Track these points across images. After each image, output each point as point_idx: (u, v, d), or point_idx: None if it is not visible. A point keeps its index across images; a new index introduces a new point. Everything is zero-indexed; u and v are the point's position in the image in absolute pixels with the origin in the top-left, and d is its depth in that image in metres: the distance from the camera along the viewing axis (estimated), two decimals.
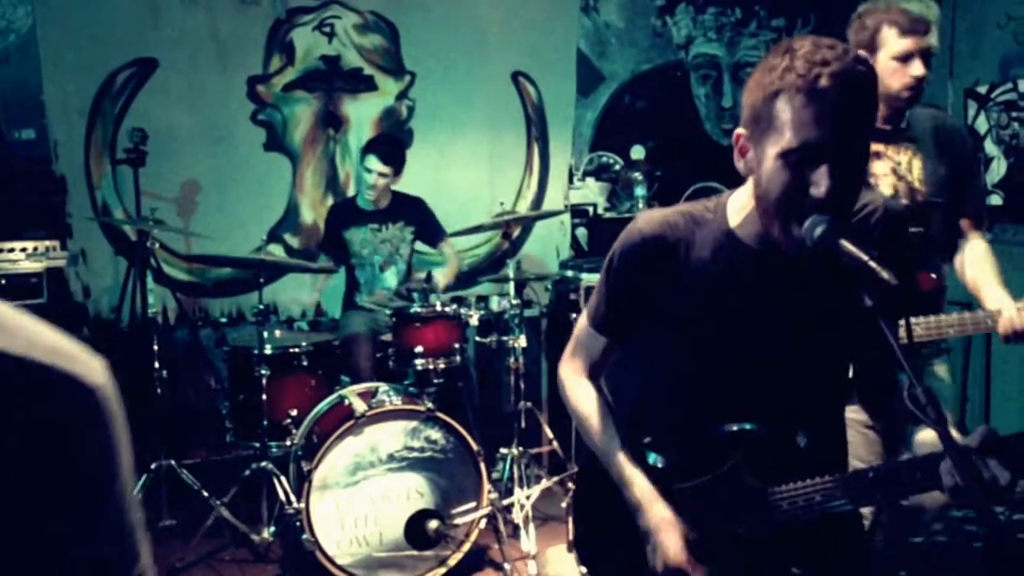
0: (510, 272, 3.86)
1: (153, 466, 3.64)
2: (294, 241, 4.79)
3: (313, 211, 4.79)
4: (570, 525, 3.29)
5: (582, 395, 1.68)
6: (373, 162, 4.07)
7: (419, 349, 3.50)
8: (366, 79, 4.82)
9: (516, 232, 4.89)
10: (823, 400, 1.56)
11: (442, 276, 4.09)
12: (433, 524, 3.19)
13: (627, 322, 1.61)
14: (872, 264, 1.21)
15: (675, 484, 1.55)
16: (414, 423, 3.24)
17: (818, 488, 1.42)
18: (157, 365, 3.74)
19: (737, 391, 1.51)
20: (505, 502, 3.52)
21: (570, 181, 5.24)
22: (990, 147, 4.73)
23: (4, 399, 0.63)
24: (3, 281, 3.83)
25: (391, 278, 4.23)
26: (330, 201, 4.69)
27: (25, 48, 4.28)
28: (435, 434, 3.26)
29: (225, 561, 3.47)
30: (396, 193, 4.26)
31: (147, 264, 3.95)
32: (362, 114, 4.84)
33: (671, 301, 1.53)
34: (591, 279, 4.35)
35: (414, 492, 3.22)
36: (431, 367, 3.50)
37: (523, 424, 3.77)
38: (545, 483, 3.80)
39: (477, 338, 4.15)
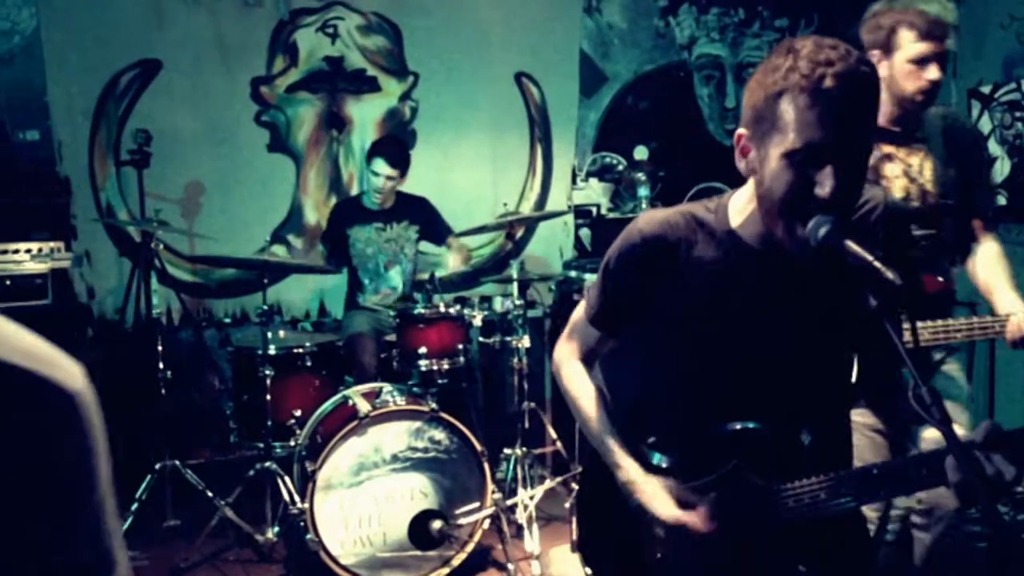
0: (514, 273, 3.86)
1: (157, 466, 3.65)
2: (298, 242, 4.80)
3: (317, 212, 4.79)
4: (574, 525, 3.28)
5: (575, 378, 1.72)
6: (380, 165, 4.07)
7: (423, 350, 3.51)
8: (369, 80, 4.83)
9: (519, 233, 4.90)
10: (826, 399, 1.56)
11: (451, 261, 4.20)
12: (437, 524, 3.19)
13: (622, 320, 1.64)
14: (877, 264, 1.21)
15: (679, 484, 1.55)
16: (418, 423, 3.24)
17: (824, 485, 1.42)
18: (161, 366, 3.73)
19: (739, 391, 1.51)
20: (509, 502, 3.52)
21: (573, 182, 5.24)
22: (994, 147, 4.73)
23: None
24: (8, 282, 3.83)
25: (396, 277, 4.24)
26: (334, 202, 4.70)
27: (29, 49, 4.28)
28: (439, 434, 3.26)
29: (229, 561, 3.48)
30: (400, 193, 4.27)
31: (151, 265, 3.96)
32: (365, 115, 4.84)
33: (672, 301, 1.53)
34: (594, 279, 4.34)
35: (418, 492, 3.22)
36: (435, 368, 3.51)
37: (527, 424, 3.77)
38: (549, 483, 3.80)
39: (481, 339, 4.16)
